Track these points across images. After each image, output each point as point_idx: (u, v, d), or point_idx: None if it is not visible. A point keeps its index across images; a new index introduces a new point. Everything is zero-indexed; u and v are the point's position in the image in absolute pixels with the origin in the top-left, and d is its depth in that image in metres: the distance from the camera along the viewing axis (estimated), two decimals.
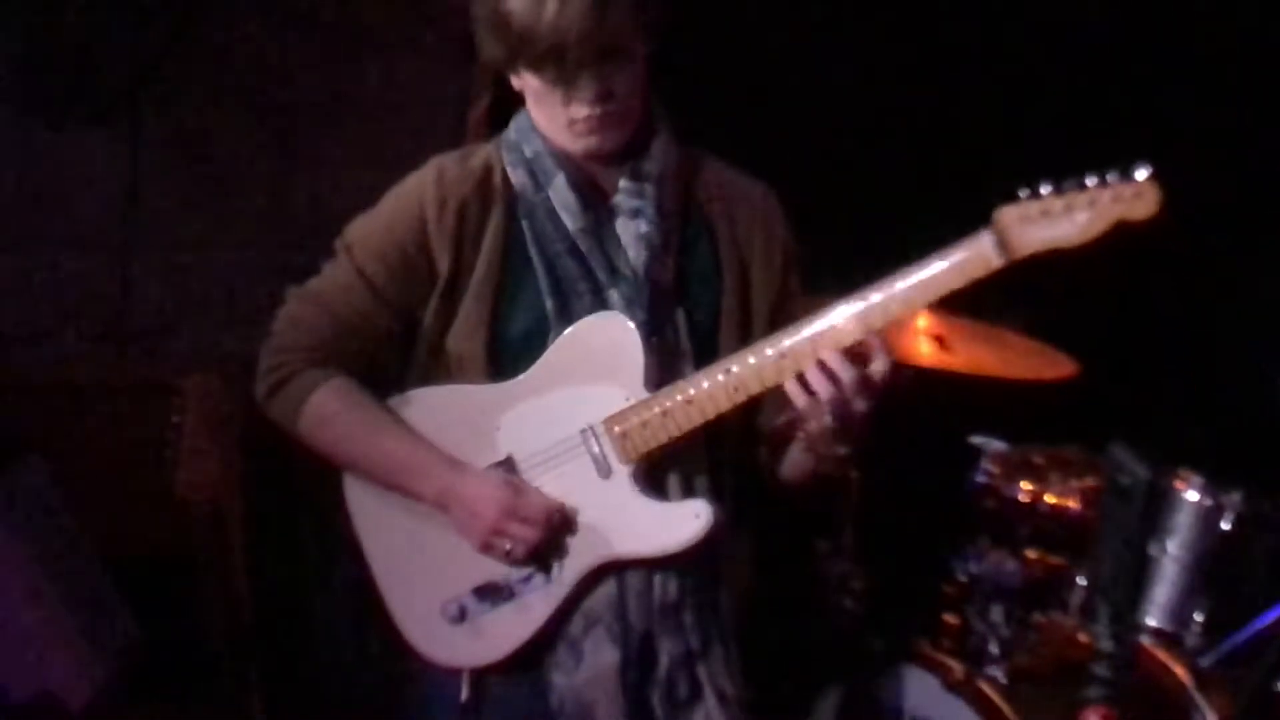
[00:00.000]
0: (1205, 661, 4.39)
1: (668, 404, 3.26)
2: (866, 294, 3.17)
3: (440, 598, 3.35)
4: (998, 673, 4.42)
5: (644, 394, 3.28)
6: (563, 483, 3.31)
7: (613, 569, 3.32)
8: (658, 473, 3.32)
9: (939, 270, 3.13)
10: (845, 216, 5.13)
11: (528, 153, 3.34)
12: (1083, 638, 4.35)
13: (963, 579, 4.57)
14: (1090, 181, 3.03)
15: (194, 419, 4.78)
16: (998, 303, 4.70)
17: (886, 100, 5.46)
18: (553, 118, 3.29)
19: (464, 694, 3.36)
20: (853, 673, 4.58)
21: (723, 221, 3.42)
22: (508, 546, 3.29)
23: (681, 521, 3.29)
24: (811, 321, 3.20)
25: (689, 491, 3.33)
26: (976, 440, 4.66)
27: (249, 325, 3.91)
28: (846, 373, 3.17)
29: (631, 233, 3.33)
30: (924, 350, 4.60)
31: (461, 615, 3.35)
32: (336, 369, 3.36)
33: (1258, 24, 5.32)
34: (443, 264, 3.32)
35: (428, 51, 5.23)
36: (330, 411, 3.35)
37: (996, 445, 4.64)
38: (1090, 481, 4.52)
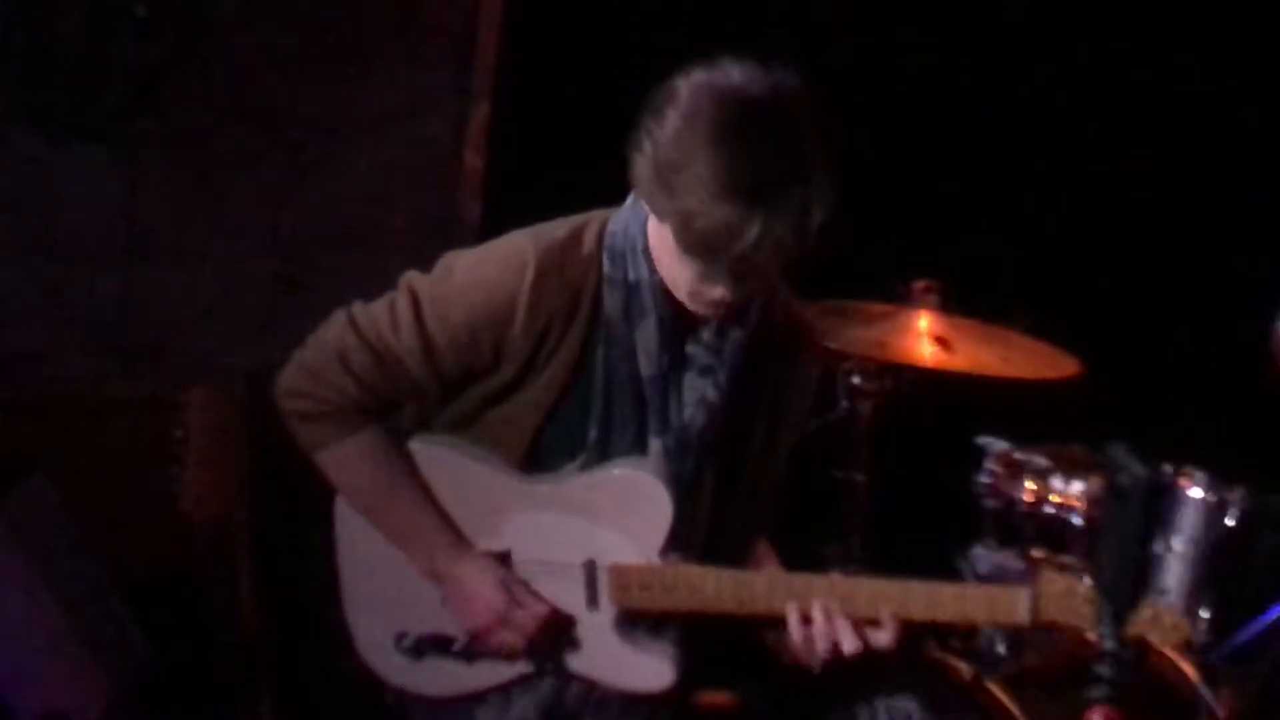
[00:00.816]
0: (1212, 658, 4.39)
1: (676, 581, 3.26)
2: (906, 584, 3.24)
3: (399, 626, 3.42)
4: (1005, 673, 4.42)
5: (657, 560, 3.27)
6: (549, 595, 3.34)
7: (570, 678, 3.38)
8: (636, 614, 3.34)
9: (968, 600, 3.26)
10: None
11: (630, 277, 3.21)
12: (1091, 637, 4.35)
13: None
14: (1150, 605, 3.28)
15: (198, 433, 4.79)
16: (1001, 304, 4.73)
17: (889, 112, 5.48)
18: (679, 277, 3.16)
19: (388, 698, 3.48)
20: (859, 676, 4.58)
21: (771, 371, 3.36)
22: (501, 641, 3.32)
23: (646, 674, 3.33)
24: (845, 582, 3.25)
25: (659, 631, 3.34)
26: (981, 441, 4.66)
27: (251, 338, 3.92)
28: (848, 639, 3.22)
29: (697, 391, 3.27)
30: (927, 351, 4.61)
31: (414, 651, 3.41)
32: (369, 418, 3.30)
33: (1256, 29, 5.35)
34: (510, 368, 3.25)
35: (426, 62, 5.22)
36: (353, 463, 3.33)
37: (1000, 445, 4.64)
38: (1095, 480, 4.51)
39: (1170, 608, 3.72)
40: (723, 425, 3.31)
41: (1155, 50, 5.42)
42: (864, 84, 5.46)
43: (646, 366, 3.23)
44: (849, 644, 3.22)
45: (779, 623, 3.30)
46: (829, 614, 3.20)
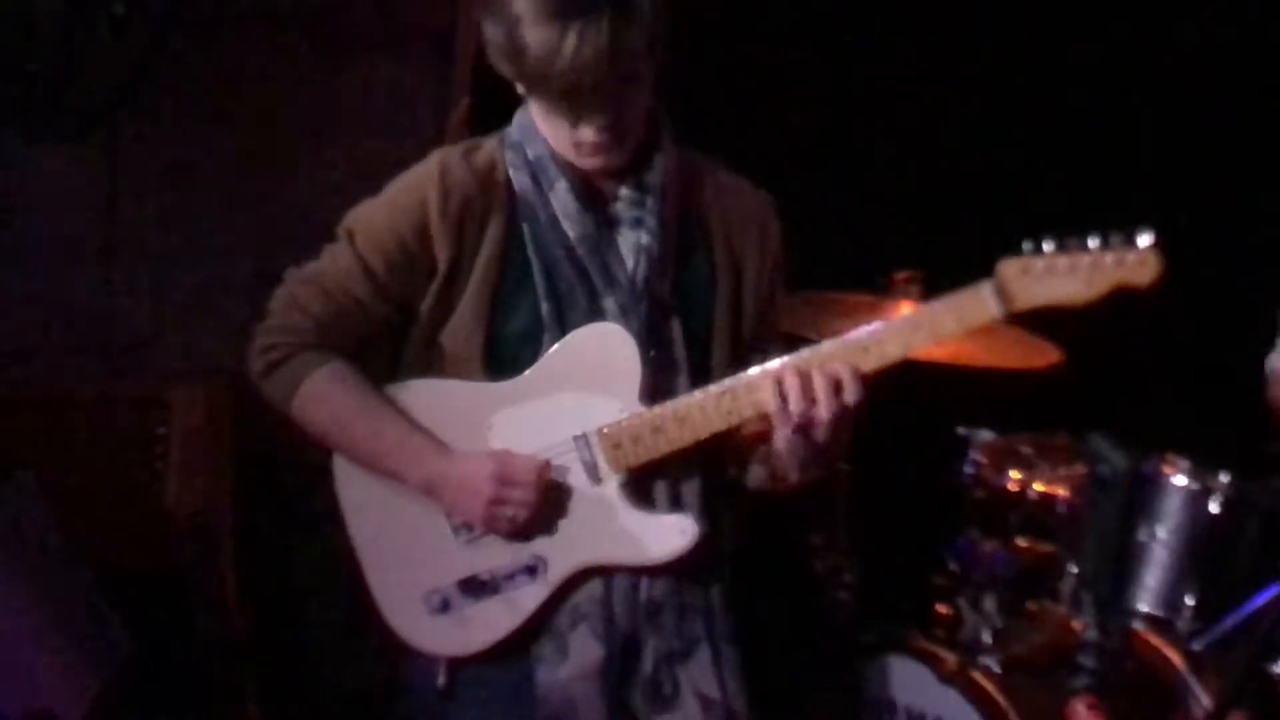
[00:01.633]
0: (1197, 645, 4.39)
1: (661, 421, 3.28)
2: (866, 332, 3.21)
3: (424, 587, 3.38)
4: (991, 662, 4.42)
5: (639, 407, 3.30)
6: (552, 483, 3.34)
7: (597, 572, 3.35)
8: (645, 482, 3.34)
9: (937, 316, 3.18)
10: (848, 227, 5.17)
11: (530, 155, 3.36)
12: (1076, 624, 4.36)
13: (954, 569, 4.58)
14: (1094, 243, 3.07)
15: (181, 431, 4.79)
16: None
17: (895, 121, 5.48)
18: (558, 136, 3.31)
19: (440, 680, 3.38)
20: (846, 665, 4.59)
21: (719, 230, 3.44)
22: (510, 513, 3.31)
23: (667, 536, 3.33)
24: (813, 349, 3.23)
25: (676, 502, 3.36)
26: (964, 431, 4.67)
27: (233, 336, 3.90)
28: (823, 391, 3.19)
29: (631, 243, 3.35)
30: None
31: (445, 606, 3.37)
32: (333, 352, 3.37)
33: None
34: (443, 258, 3.33)
35: (405, 57, 5.23)
36: (326, 393, 3.36)
37: (984, 435, 4.66)
38: (1079, 469, 4.51)
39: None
40: (670, 273, 3.37)
41: (1138, 42, 5.42)
42: (847, 73, 5.46)
43: (572, 229, 3.34)
44: (825, 404, 3.19)
45: (738, 450, 3.37)
46: (800, 371, 3.20)
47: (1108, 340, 5.17)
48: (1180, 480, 4.42)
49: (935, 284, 4.56)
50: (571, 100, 3.22)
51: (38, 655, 4.06)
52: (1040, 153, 5.41)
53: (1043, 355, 4.63)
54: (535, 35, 3.16)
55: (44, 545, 4.26)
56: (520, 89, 3.31)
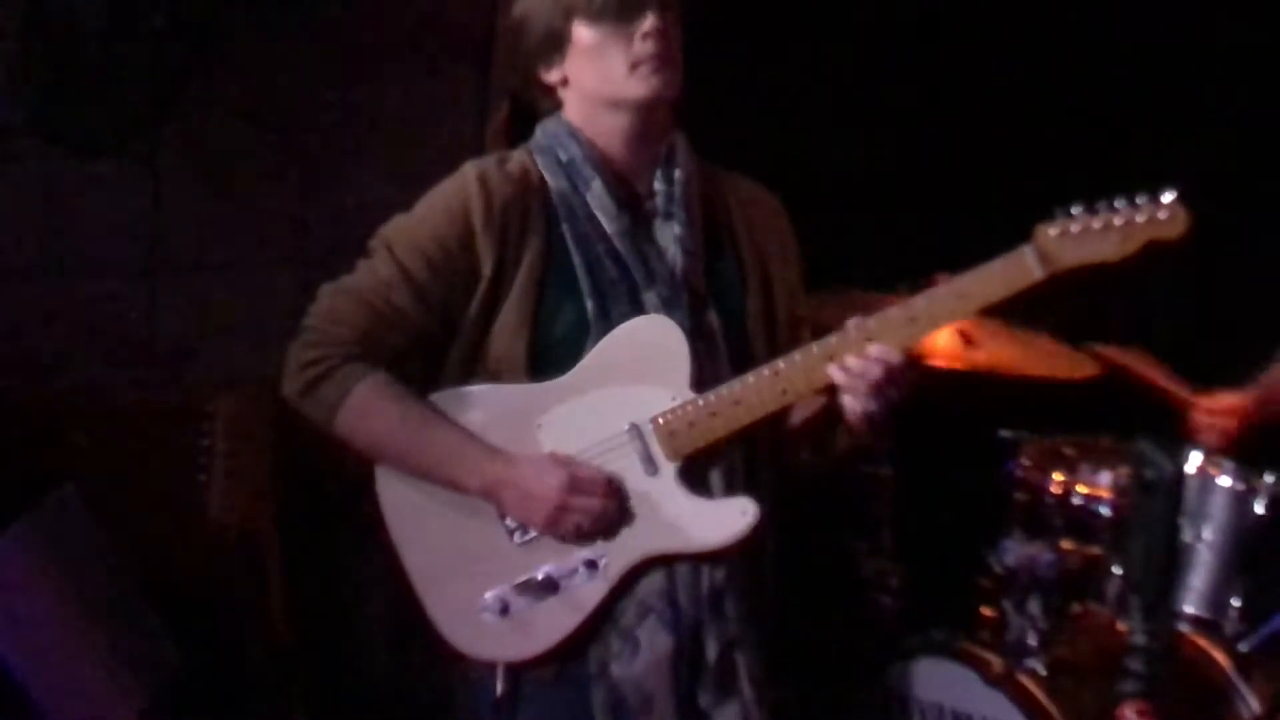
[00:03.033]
0: (1244, 646, 4.39)
1: (716, 405, 3.31)
2: (913, 301, 3.27)
3: (481, 592, 3.37)
4: (1037, 665, 4.42)
5: (690, 394, 3.32)
6: (613, 480, 3.35)
7: (659, 562, 3.35)
8: (701, 470, 3.35)
9: (983, 280, 3.24)
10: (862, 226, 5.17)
11: (563, 157, 3.40)
12: (1121, 626, 4.35)
13: (999, 572, 4.57)
14: (1120, 204, 3.18)
15: (225, 441, 4.80)
16: (1027, 308, 4.71)
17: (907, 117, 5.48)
18: (612, 68, 3.35)
19: (499, 689, 3.37)
20: (892, 670, 4.58)
21: (742, 226, 3.49)
22: (575, 520, 3.32)
23: (728, 518, 3.33)
24: (860, 322, 3.28)
25: (731, 487, 3.36)
26: (1007, 434, 4.66)
27: (274, 346, 3.91)
28: (890, 356, 3.26)
29: (668, 235, 3.39)
30: (952, 348, 4.60)
31: (504, 610, 3.36)
32: (376, 364, 3.36)
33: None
34: (487, 264, 3.35)
35: (444, 66, 5.23)
36: (374, 405, 3.35)
37: (1027, 438, 4.65)
38: (1122, 471, 4.51)
39: None
40: (703, 264, 3.42)
41: (1154, 46, 5.42)
42: (882, 76, 5.46)
43: (609, 224, 3.38)
44: (893, 363, 3.26)
45: (831, 405, 3.37)
46: (861, 346, 3.27)
47: (1147, 341, 5.18)
48: (1225, 481, 4.42)
49: None
50: (621, 6, 3.32)
51: (86, 667, 4.08)
52: (1084, 153, 5.40)
53: (1083, 366, 4.62)
54: None
55: (89, 559, 4.28)
56: (544, 72, 3.40)
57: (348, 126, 5.26)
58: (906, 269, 4.68)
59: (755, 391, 3.30)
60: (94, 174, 5.15)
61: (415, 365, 3.42)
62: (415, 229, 3.38)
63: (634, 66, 3.34)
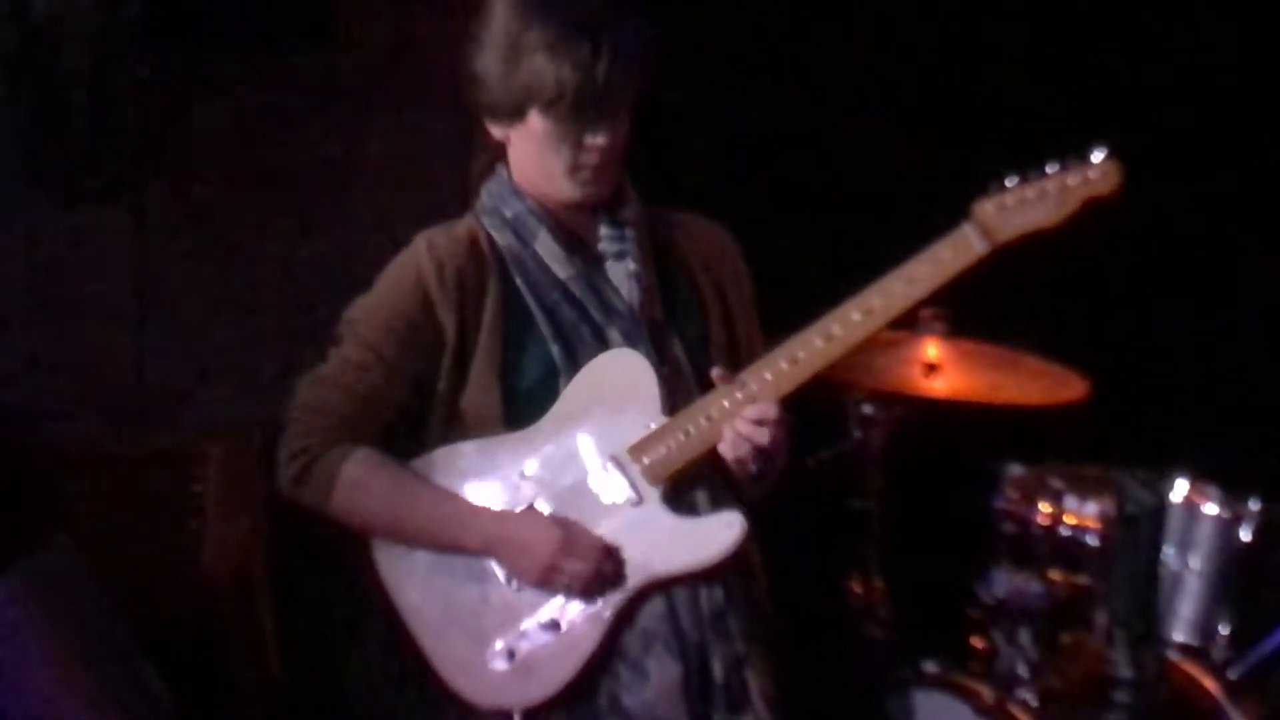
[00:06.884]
0: (1234, 673, 4.40)
1: (690, 425, 3.36)
2: (867, 294, 3.34)
3: (485, 643, 3.40)
4: (1028, 696, 4.42)
5: (664, 419, 3.38)
6: (596, 514, 3.38)
7: (657, 588, 3.39)
8: (685, 492, 3.40)
9: (929, 263, 3.32)
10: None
11: (508, 214, 3.45)
12: (1111, 658, 4.36)
13: (988, 603, 4.58)
14: (1052, 169, 3.27)
15: (216, 486, 4.81)
16: (1008, 327, 4.73)
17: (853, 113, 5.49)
18: (553, 166, 3.39)
19: None
20: (883, 702, 4.59)
21: (695, 259, 3.54)
22: (565, 582, 3.36)
23: (717, 533, 3.38)
24: (820, 326, 3.35)
25: (717, 503, 3.41)
26: (994, 464, 4.67)
27: (264, 392, 3.97)
28: (767, 413, 3.32)
29: (621, 273, 3.44)
30: (931, 380, 4.61)
31: (510, 657, 3.39)
32: (361, 443, 3.42)
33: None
34: (449, 329, 3.41)
35: (429, 112, 5.25)
36: (363, 481, 3.41)
37: (1014, 468, 4.66)
38: (1109, 500, 4.52)
39: None
40: (661, 300, 3.47)
41: (1159, 62, 5.44)
42: (872, 102, 5.47)
43: (561, 270, 3.43)
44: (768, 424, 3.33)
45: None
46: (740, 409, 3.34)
47: (1136, 368, 5.19)
48: (1211, 508, 4.43)
49: (962, 317, 4.64)
50: (582, 113, 3.32)
51: (80, 716, 4.08)
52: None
53: (1069, 388, 4.63)
54: (562, 50, 3.30)
55: (82, 607, 4.29)
56: (496, 129, 3.43)
57: (332, 172, 5.28)
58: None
59: (727, 408, 3.34)
60: (81, 222, 5.17)
61: (399, 435, 3.47)
62: (376, 308, 3.45)
63: (573, 171, 3.39)
